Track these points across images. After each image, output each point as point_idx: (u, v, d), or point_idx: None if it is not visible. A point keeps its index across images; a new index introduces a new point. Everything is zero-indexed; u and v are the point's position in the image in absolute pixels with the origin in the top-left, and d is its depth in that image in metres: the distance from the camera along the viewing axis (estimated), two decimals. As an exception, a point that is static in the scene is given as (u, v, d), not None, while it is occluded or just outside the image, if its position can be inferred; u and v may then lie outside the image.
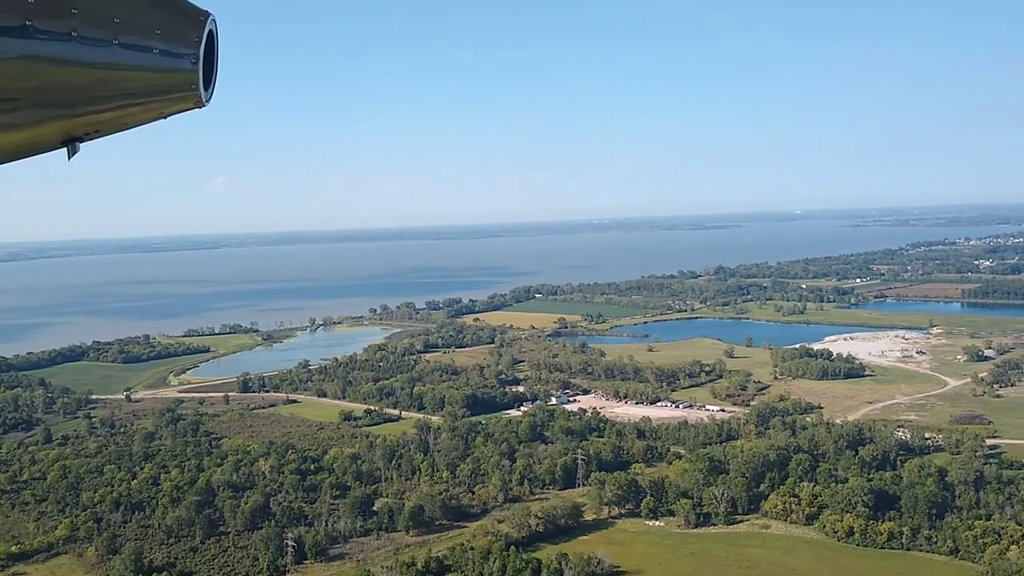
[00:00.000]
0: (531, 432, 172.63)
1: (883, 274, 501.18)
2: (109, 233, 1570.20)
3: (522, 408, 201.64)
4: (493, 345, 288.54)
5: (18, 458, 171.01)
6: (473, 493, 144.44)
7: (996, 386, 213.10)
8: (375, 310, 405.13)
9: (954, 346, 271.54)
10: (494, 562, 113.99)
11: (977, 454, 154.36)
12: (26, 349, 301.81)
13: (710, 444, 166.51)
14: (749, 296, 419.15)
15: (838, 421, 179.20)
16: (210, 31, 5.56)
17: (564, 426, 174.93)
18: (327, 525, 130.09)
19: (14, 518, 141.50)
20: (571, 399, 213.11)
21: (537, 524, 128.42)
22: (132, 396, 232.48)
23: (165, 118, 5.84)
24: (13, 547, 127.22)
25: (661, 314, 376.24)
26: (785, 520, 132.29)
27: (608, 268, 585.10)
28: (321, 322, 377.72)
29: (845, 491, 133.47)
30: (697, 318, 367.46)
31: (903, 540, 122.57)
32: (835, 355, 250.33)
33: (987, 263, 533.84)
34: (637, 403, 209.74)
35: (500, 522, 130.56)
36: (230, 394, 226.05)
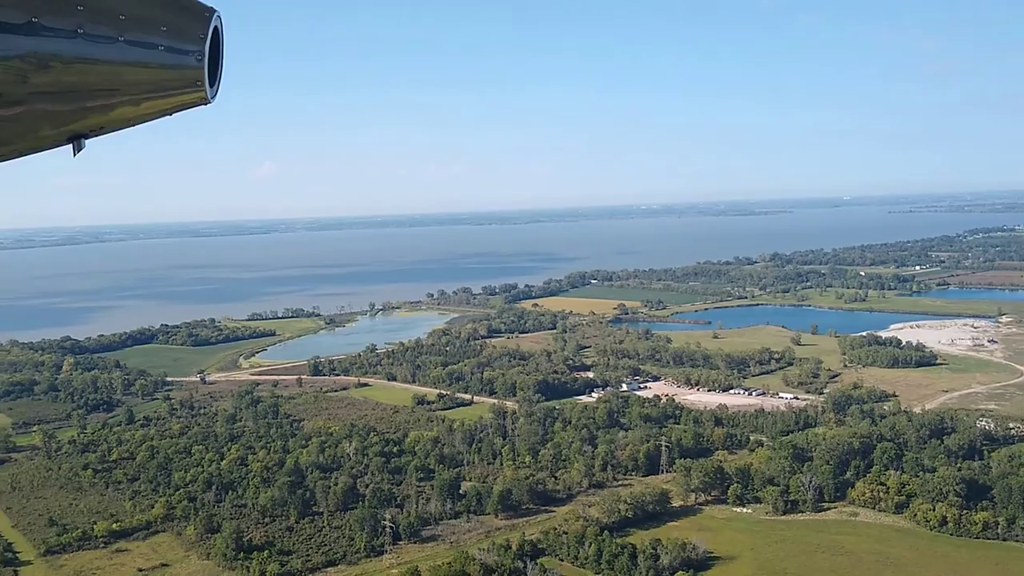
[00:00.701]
0: (608, 418, 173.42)
1: (943, 261, 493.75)
2: (160, 218, 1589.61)
3: (593, 394, 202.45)
4: (555, 331, 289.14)
5: (105, 438, 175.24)
6: (556, 478, 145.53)
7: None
8: (432, 295, 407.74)
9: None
10: (589, 546, 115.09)
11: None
12: (92, 332, 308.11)
13: (790, 432, 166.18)
14: (808, 283, 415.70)
15: (917, 410, 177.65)
16: (215, 27, 5.73)
17: (641, 413, 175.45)
18: (417, 507, 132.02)
19: (109, 496, 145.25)
20: (642, 386, 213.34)
21: (626, 510, 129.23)
22: (206, 378, 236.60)
23: (171, 115, 6.04)
24: (114, 524, 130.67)
25: (720, 301, 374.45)
26: (873, 508, 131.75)
27: (657, 254, 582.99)
28: (380, 307, 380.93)
29: (935, 480, 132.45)
30: (757, 305, 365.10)
31: (998, 530, 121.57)
32: (904, 343, 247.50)
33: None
34: (709, 390, 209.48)
35: (589, 506, 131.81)
36: (303, 377, 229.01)
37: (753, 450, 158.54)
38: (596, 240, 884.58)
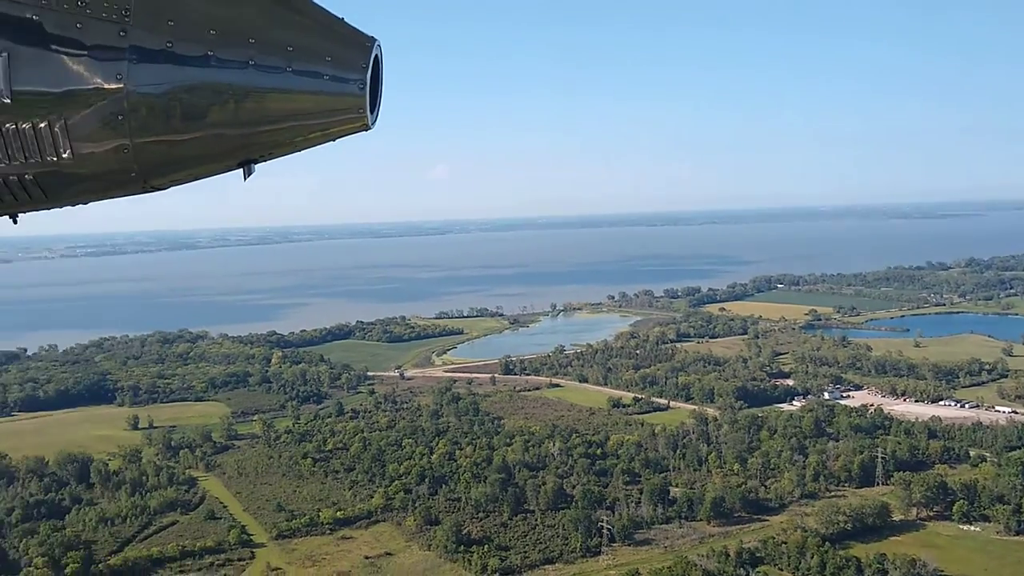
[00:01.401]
0: (815, 428, 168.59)
1: None
2: (344, 219, 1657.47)
3: (795, 402, 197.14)
4: (746, 336, 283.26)
5: (319, 429, 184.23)
6: (766, 487, 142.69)
7: None
8: (613, 297, 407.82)
9: None
10: (812, 557, 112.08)
11: None
12: (289, 327, 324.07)
13: (1014, 448, 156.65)
14: (1013, 290, 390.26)
15: None
16: (376, 56, 5.64)
17: (850, 422, 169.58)
18: (628, 510, 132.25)
19: (329, 485, 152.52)
20: (844, 395, 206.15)
21: (845, 521, 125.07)
22: (404, 374, 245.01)
23: (333, 141, 5.95)
24: (337, 512, 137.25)
25: (917, 307, 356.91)
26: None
27: (836, 258, 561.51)
28: (562, 307, 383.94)
29: None
30: (956, 312, 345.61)
31: None
32: None
33: None
34: (916, 401, 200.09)
35: (805, 516, 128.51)
36: (496, 376, 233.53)
37: (976, 465, 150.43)
38: (772, 243, 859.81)
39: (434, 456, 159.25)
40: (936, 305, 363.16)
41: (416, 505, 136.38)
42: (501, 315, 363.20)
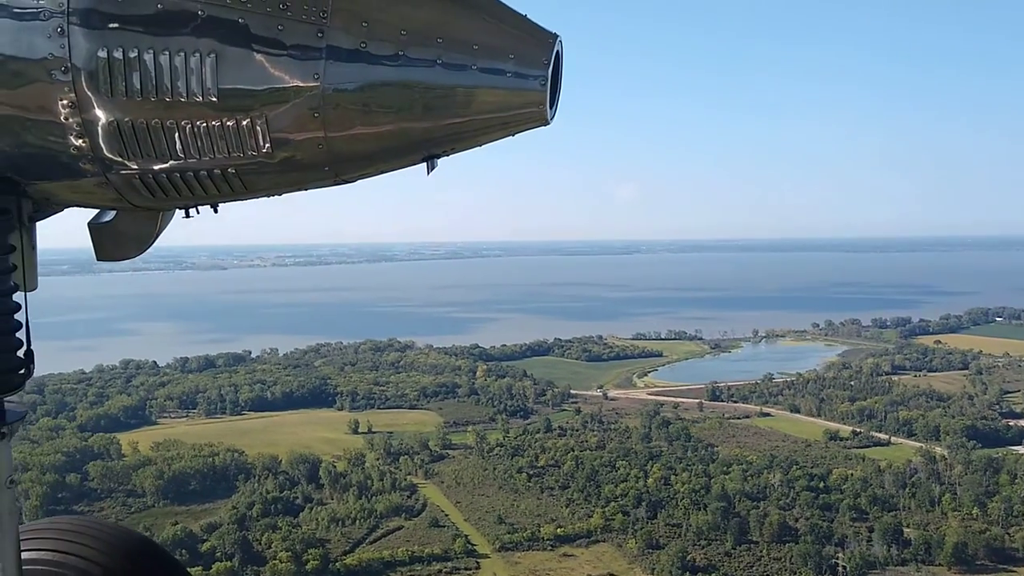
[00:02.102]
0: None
1: None
2: (532, 236, 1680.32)
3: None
4: (966, 371, 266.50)
5: (529, 444, 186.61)
6: (1009, 535, 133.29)
7: None
8: (818, 324, 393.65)
9: None
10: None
11: None
12: (484, 340, 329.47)
13: None
14: None
15: None
16: (557, 52, 5.65)
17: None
18: (860, 548, 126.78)
19: (545, 501, 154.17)
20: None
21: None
22: (608, 394, 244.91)
23: (512, 135, 5.96)
24: (557, 529, 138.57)
25: None
26: None
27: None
28: (764, 334, 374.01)
29: None
30: None
31: None
32: None
33: None
34: None
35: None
36: (703, 402, 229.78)
37: None
38: (979, 272, 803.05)
39: (649, 480, 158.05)
40: None
41: (636, 528, 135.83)
42: (700, 339, 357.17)
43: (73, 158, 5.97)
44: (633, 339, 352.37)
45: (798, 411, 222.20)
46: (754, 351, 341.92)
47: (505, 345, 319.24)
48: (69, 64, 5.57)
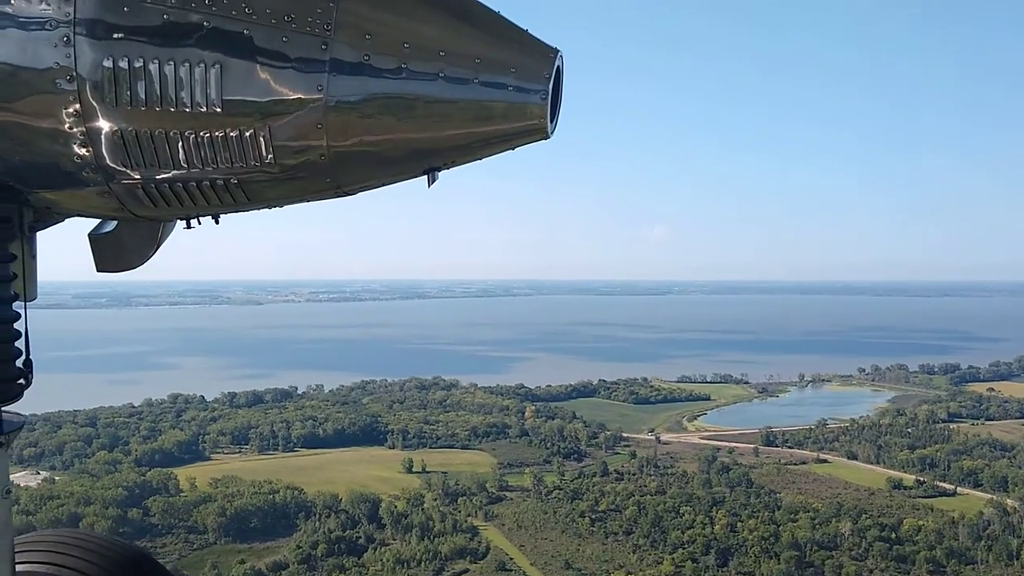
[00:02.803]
0: None
1: None
2: (560, 275, 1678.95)
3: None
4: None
5: (587, 488, 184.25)
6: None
7: None
8: (863, 369, 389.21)
9: None
10: None
11: None
12: (520, 379, 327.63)
13: None
14: None
15: None
16: (558, 67, 5.72)
17: None
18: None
19: (610, 547, 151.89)
20: None
21: None
22: (660, 438, 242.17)
23: (513, 149, 6.02)
24: (627, 575, 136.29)
25: None
26: None
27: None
28: (810, 378, 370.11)
29: None
30: None
31: None
32: None
33: None
34: None
35: None
36: (758, 447, 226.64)
37: None
38: (1014, 318, 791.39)
39: (716, 527, 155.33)
40: None
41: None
42: (747, 383, 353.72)
43: (76, 167, 5.97)
44: (678, 382, 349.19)
45: (856, 458, 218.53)
46: (801, 395, 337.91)
47: (550, 386, 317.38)
48: (74, 73, 5.60)
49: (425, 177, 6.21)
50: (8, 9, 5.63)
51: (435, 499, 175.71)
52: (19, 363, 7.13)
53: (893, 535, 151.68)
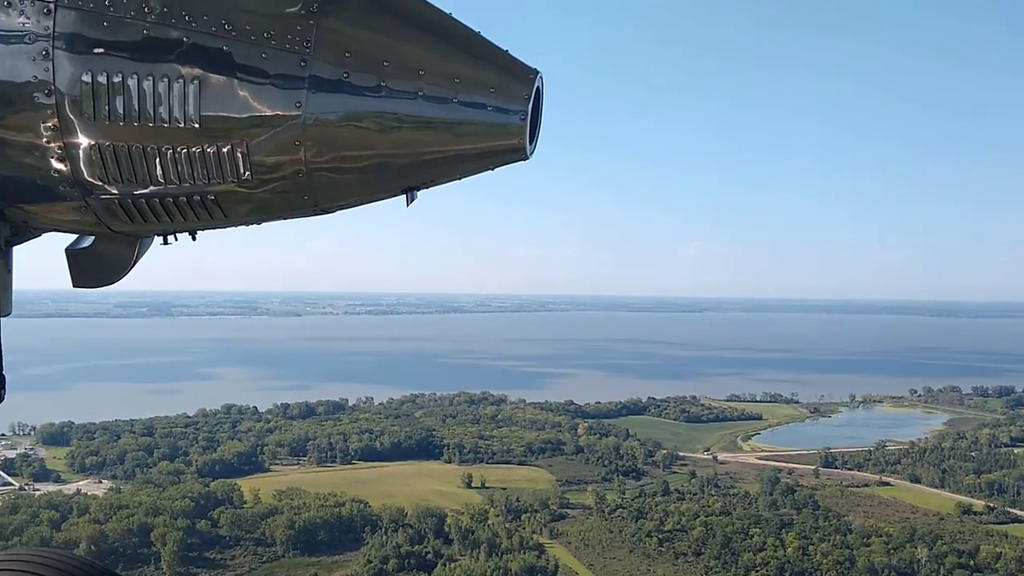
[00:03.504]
0: None
1: None
2: (597, 291, 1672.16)
3: None
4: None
5: (650, 507, 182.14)
6: None
7: None
8: (915, 391, 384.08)
9: None
10: None
11: None
12: (569, 396, 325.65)
13: None
14: None
15: None
16: (537, 88, 5.71)
17: None
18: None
19: (681, 568, 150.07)
20: None
21: None
22: (717, 457, 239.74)
23: (492, 169, 5.99)
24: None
25: None
26: None
27: None
28: (860, 399, 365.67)
29: None
30: None
31: None
32: None
33: None
34: None
35: None
36: (818, 468, 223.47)
37: None
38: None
39: (788, 550, 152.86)
40: None
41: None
42: (797, 402, 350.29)
43: (53, 182, 5.95)
44: (728, 400, 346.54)
45: (919, 481, 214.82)
46: (853, 416, 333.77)
47: (599, 403, 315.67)
48: (53, 87, 5.60)
49: (404, 196, 6.11)
50: None
51: (498, 515, 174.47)
52: None
53: (971, 562, 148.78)
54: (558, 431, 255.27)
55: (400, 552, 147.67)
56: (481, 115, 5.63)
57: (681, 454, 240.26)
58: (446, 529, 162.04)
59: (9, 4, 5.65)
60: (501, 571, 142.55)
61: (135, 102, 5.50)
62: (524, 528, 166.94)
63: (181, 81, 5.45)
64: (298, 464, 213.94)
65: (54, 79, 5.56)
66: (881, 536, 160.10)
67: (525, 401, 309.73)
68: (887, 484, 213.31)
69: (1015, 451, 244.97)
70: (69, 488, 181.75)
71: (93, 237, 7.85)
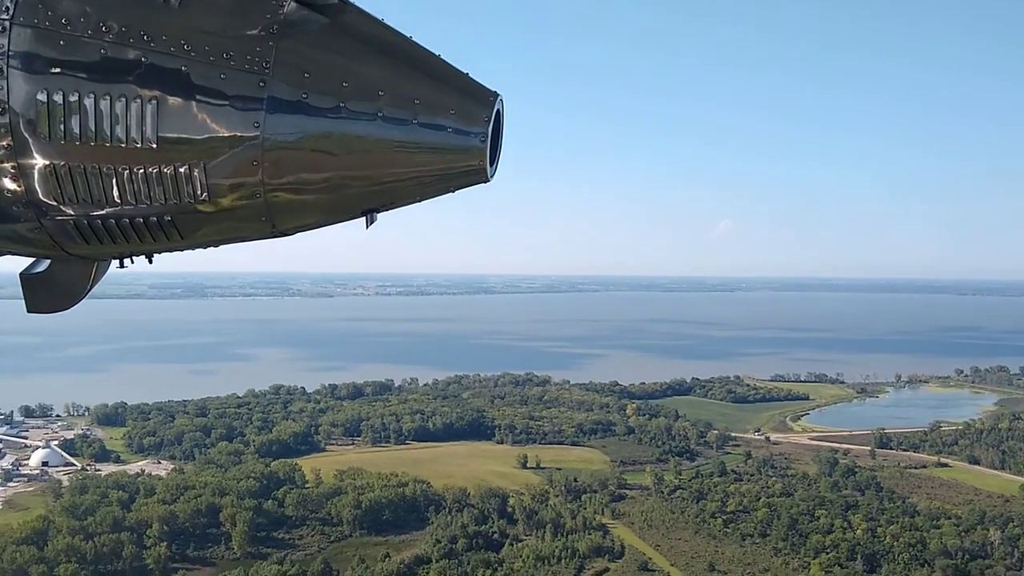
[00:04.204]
0: None
1: None
2: (627, 271, 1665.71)
3: None
4: None
5: (709, 487, 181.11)
6: None
7: None
8: (961, 371, 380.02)
9: None
10: None
11: None
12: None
13: None
14: None
15: None
16: (498, 110, 5.68)
17: None
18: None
19: (749, 550, 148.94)
20: None
21: None
22: (769, 438, 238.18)
23: (452, 192, 5.94)
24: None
25: None
26: None
27: None
28: (906, 379, 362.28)
29: None
30: None
31: None
32: None
33: None
34: None
35: None
36: (874, 449, 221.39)
37: None
38: None
39: (857, 531, 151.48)
40: None
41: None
42: (842, 382, 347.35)
43: (7, 202, 5.88)
44: (773, 380, 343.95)
45: (978, 463, 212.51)
46: (899, 396, 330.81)
47: (644, 383, 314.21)
48: (7, 106, 5.55)
49: (364, 218, 5.99)
50: None
51: (558, 495, 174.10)
52: None
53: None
54: (607, 412, 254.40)
55: (467, 532, 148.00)
56: (441, 137, 5.54)
57: (733, 434, 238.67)
58: (509, 509, 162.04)
59: None
60: (569, 551, 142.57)
61: (91, 122, 5.40)
62: (586, 508, 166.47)
63: (138, 101, 5.37)
64: (352, 444, 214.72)
65: (8, 98, 5.44)
66: (950, 519, 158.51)
67: (569, 382, 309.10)
68: (945, 465, 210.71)
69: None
70: (132, 468, 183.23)
71: (48, 261, 7.54)
